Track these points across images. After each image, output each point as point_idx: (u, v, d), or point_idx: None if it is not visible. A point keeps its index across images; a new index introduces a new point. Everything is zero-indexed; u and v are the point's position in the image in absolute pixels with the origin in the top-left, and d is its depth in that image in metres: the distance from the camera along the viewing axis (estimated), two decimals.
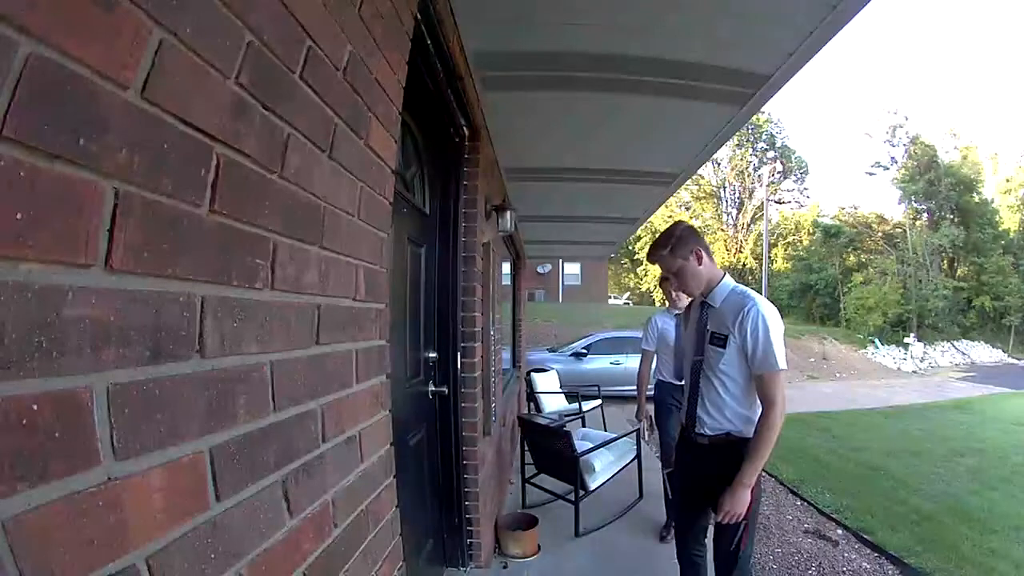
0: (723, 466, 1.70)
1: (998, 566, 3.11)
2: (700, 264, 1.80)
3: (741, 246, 30.08)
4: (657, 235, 1.91)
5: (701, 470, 1.81)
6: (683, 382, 2.54)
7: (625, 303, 29.07)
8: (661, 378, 3.10)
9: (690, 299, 2.28)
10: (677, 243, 1.81)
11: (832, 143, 66.22)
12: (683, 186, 4.65)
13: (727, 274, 1.84)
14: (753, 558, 1.87)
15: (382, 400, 1.14)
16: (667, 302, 3.14)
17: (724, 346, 1.73)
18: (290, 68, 0.75)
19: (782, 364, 1.66)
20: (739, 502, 1.66)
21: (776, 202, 30.20)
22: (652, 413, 3.17)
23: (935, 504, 4.19)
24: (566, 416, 5.13)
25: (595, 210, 4.92)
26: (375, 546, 1.05)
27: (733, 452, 1.69)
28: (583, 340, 10.55)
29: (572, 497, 3.20)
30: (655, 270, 31.42)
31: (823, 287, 25.01)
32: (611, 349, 9.89)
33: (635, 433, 3.78)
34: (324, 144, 0.86)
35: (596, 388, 6.44)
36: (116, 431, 0.47)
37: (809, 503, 4.14)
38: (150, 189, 0.51)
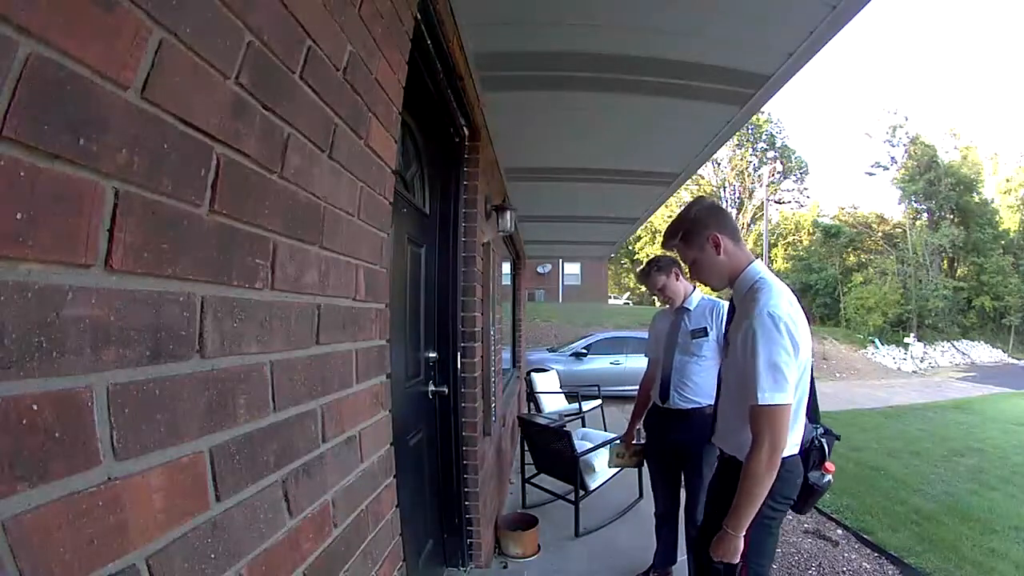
0: (726, 488, 1.43)
1: (998, 566, 3.11)
2: (720, 253, 1.47)
3: None
4: (672, 218, 1.61)
5: (714, 480, 1.62)
6: (674, 404, 2.30)
7: (625, 303, 29.06)
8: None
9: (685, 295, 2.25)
10: (691, 229, 1.50)
11: (832, 143, 66.41)
12: (683, 186, 4.67)
13: (755, 261, 1.52)
14: None
15: (382, 400, 1.14)
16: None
17: (728, 355, 1.47)
18: (290, 68, 0.75)
19: (767, 397, 1.29)
20: (724, 550, 1.38)
21: (776, 202, 30.18)
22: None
23: (935, 504, 4.19)
24: (566, 416, 5.12)
25: (595, 210, 4.93)
26: (375, 546, 1.05)
27: (735, 477, 1.38)
28: (583, 340, 10.56)
29: (572, 497, 3.19)
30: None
31: (823, 287, 24.97)
32: (611, 349, 9.90)
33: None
34: (324, 144, 0.86)
35: (596, 388, 6.44)
36: (116, 431, 0.47)
37: None
38: (150, 189, 0.51)
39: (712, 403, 1.73)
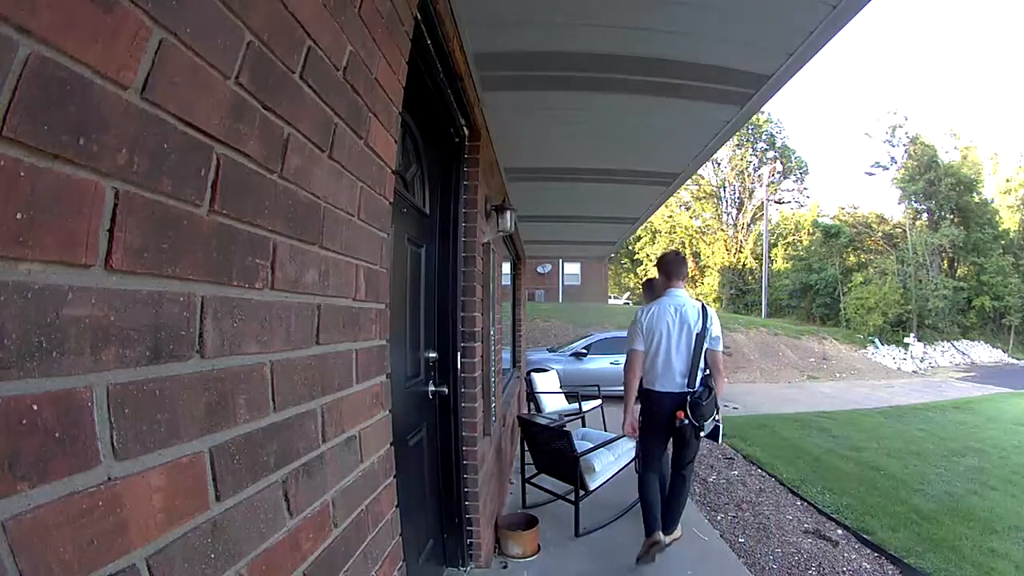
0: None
1: (998, 566, 3.11)
2: (657, 281, 3.15)
3: (741, 246, 30.08)
4: (673, 254, 3.15)
5: None
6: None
7: (625, 303, 29.03)
8: None
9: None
10: (657, 265, 3.12)
11: (832, 143, 66.31)
12: (683, 186, 4.69)
13: (671, 291, 2.88)
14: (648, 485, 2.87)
15: (382, 400, 1.14)
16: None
17: None
18: (290, 68, 0.75)
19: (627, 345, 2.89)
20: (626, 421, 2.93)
21: (776, 202, 30.20)
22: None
23: (935, 504, 4.19)
24: (566, 416, 5.12)
25: (595, 210, 4.93)
26: (375, 546, 1.05)
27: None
28: (583, 340, 10.55)
29: (572, 497, 3.20)
30: (654, 271, 31.77)
31: (823, 287, 24.95)
32: (611, 349, 9.86)
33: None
34: (324, 144, 0.86)
35: (596, 388, 6.43)
36: (116, 431, 0.47)
37: (809, 503, 4.13)
38: (150, 189, 0.51)
39: (677, 391, 2.76)
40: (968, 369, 18.58)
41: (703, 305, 2.84)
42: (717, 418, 2.77)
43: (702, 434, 2.75)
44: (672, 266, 2.96)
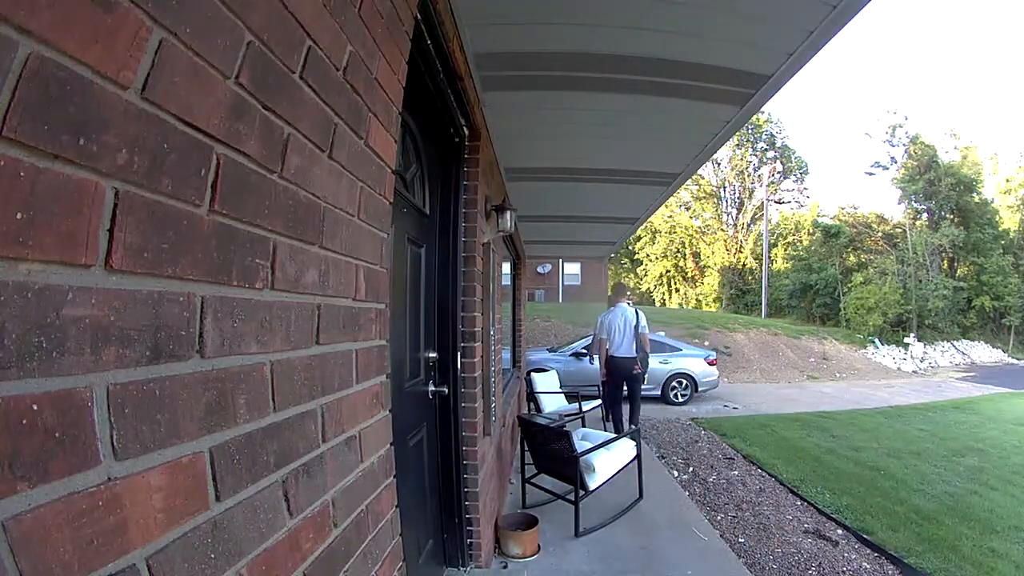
0: None
1: (998, 566, 3.11)
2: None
3: (741, 246, 30.08)
4: (619, 284, 6.10)
5: None
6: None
7: (626, 303, 28.95)
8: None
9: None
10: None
11: (832, 143, 66.17)
12: (683, 186, 4.74)
13: (618, 304, 5.51)
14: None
15: (382, 400, 1.14)
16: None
17: None
18: (290, 68, 0.75)
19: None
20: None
21: (776, 202, 30.19)
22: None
23: (935, 504, 4.19)
24: (566, 416, 5.12)
25: (595, 210, 4.93)
26: (375, 546, 1.05)
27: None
28: (583, 340, 10.53)
29: (572, 497, 3.20)
30: (654, 271, 32.19)
31: (823, 287, 24.91)
32: None
33: (635, 432, 3.79)
34: (324, 144, 0.86)
35: (596, 388, 6.42)
36: (116, 431, 0.47)
37: (809, 503, 4.14)
38: (150, 189, 0.51)
39: (628, 356, 5.36)
40: (968, 369, 18.57)
41: (636, 310, 5.47)
42: (646, 370, 5.55)
43: (646, 376, 5.64)
44: (618, 291, 5.70)
